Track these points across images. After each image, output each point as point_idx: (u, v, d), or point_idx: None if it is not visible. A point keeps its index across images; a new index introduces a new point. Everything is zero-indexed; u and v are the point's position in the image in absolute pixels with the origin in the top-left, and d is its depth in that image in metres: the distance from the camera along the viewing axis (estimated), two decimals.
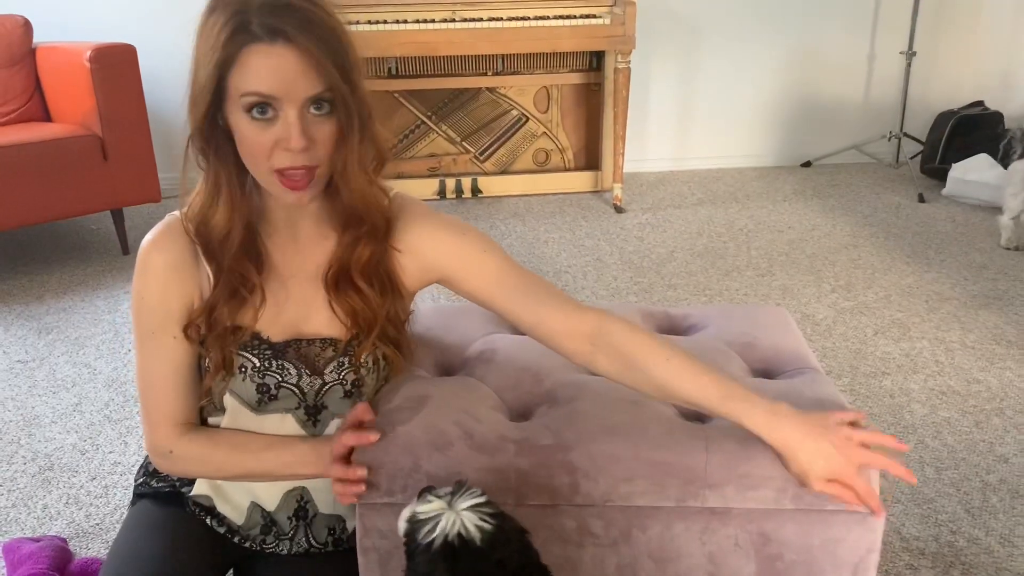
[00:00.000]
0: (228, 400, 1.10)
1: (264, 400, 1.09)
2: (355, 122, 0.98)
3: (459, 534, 0.83)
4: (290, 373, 1.09)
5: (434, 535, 0.83)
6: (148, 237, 1.07)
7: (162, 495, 1.19)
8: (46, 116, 3.27)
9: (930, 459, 1.80)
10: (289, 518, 1.18)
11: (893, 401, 2.05)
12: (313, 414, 1.12)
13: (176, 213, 1.08)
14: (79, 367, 2.29)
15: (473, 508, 0.84)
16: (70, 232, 3.43)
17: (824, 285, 2.80)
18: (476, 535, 0.83)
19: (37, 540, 1.49)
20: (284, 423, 1.12)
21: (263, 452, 1.09)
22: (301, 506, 1.17)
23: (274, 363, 1.08)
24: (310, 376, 1.09)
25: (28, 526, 1.63)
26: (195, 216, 1.05)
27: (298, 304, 1.09)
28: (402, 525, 0.89)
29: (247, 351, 1.07)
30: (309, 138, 0.95)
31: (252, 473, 1.11)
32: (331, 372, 1.10)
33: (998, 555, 1.51)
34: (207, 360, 1.08)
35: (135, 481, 1.24)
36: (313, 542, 1.19)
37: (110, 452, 1.88)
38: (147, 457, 1.25)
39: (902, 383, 2.13)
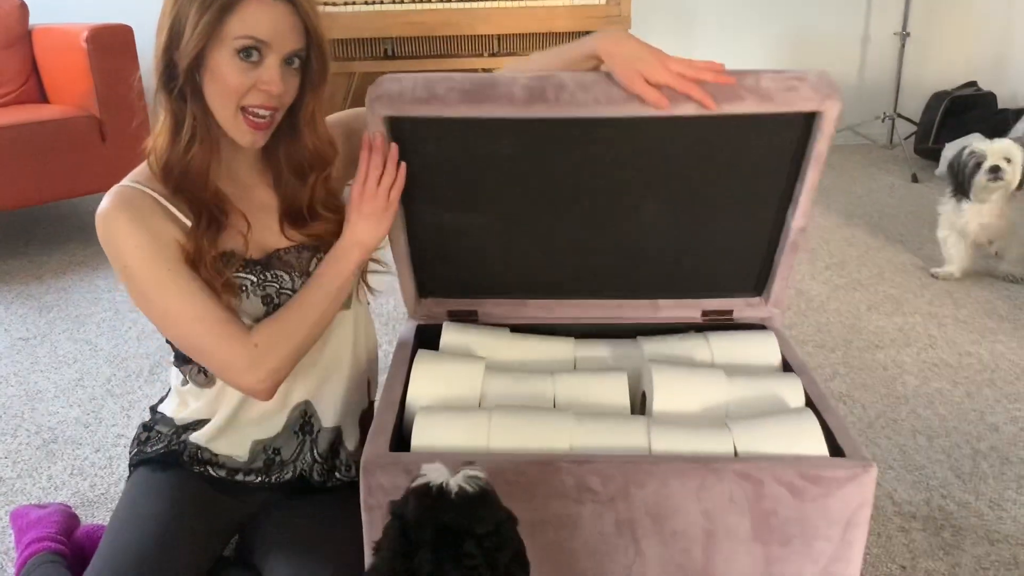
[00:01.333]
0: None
1: (270, 310, 1.18)
2: (319, 78, 1.14)
3: (440, 484, 0.86)
4: (284, 279, 1.19)
5: (420, 481, 0.87)
6: (103, 210, 1.10)
7: (158, 459, 1.23)
8: (43, 98, 3.27)
9: (922, 428, 1.83)
10: (295, 432, 1.25)
11: (886, 373, 2.08)
12: None
13: (124, 183, 1.13)
14: (80, 344, 2.31)
15: (467, 478, 0.87)
16: (69, 213, 3.44)
17: (818, 263, 2.82)
18: (454, 489, 0.85)
19: (44, 507, 1.51)
20: None
21: (310, 291, 1.18)
22: (306, 420, 1.26)
23: (267, 274, 1.18)
24: (300, 277, 1.20)
25: (34, 496, 1.66)
26: (162, 157, 1.12)
27: (260, 229, 1.20)
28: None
29: (241, 273, 1.16)
30: (285, 83, 1.10)
31: (323, 314, 1.18)
32: (315, 267, 1.21)
33: (987, 518, 1.54)
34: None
35: (129, 454, 1.28)
36: (316, 456, 1.27)
37: (113, 425, 1.90)
38: (138, 429, 1.31)
39: (895, 356, 2.16)
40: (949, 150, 3.73)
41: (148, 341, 2.30)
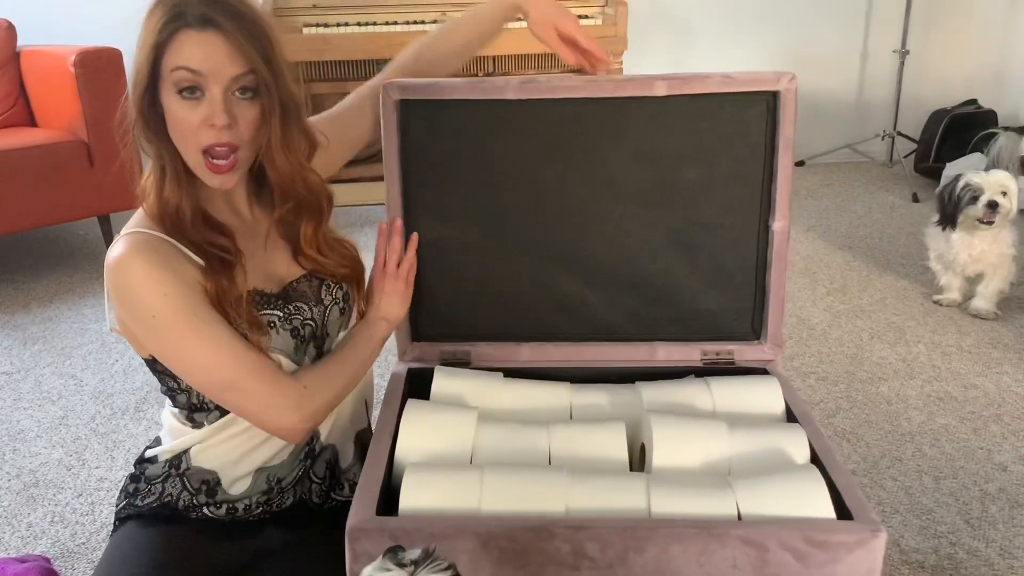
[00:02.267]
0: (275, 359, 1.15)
1: (299, 344, 1.17)
2: (276, 105, 1.07)
3: None
4: (304, 310, 1.19)
5: None
6: (117, 259, 1.06)
7: (146, 515, 1.17)
8: (31, 121, 3.23)
9: (928, 468, 1.79)
10: (300, 459, 1.22)
11: (890, 408, 2.03)
12: (319, 345, 1.22)
13: (131, 229, 1.10)
14: (65, 378, 2.25)
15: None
16: (57, 239, 3.39)
17: (819, 288, 2.78)
18: None
19: (22, 561, 1.46)
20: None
21: (353, 345, 1.23)
22: (311, 444, 1.23)
23: (290, 307, 1.17)
24: (316, 306, 1.20)
25: (12, 545, 1.60)
26: (154, 202, 1.10)
27: (272, 261, 1.19)
28: None
29: (266, 310, 1.14)
30: (232, 117, 1.04)
31: (358, 365, 1.23)
32: (326, 295, 1.21)
33: (998, 567, 1.49)
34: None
35: (116, 506, 1.22)
36: (314, 478, 1.24)
37: (96, 467, 1.85)
38: (125, 481, 1.25)
39: (899, 389, 2.11)
40: (951, 169, 3.70)
41: (135, 376, 2.25)
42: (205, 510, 1.19)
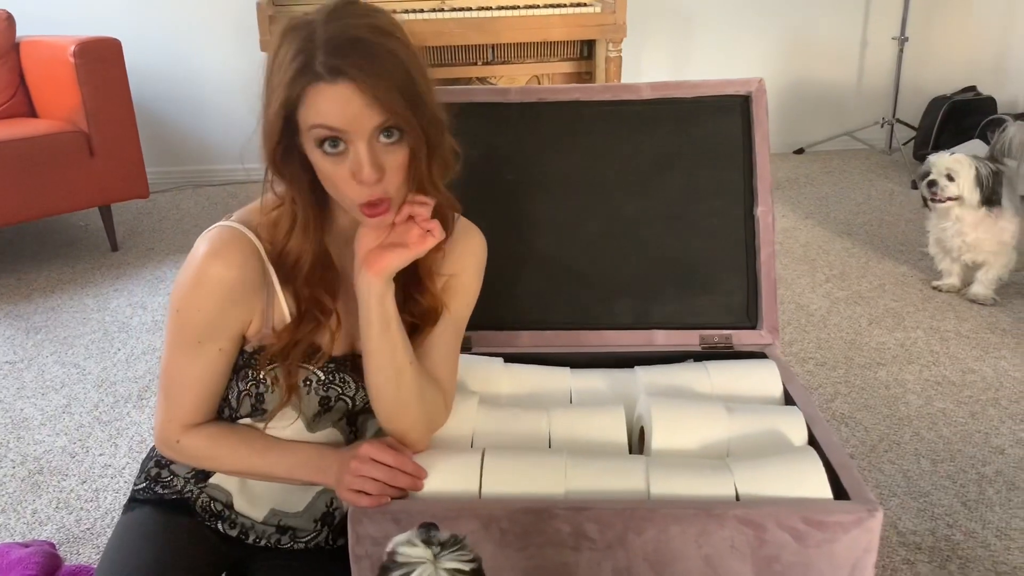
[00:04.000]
0: (284, 414, 1.11)
1: (322, 412, 1.12)
2: (424, 145, 0.99)
3: None
4: (349, 386, 1.13)
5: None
6: (210, 247, 1.04)
7: (166, 502, 1.17)
8: (31, 111, 3.23)
9: (926, 451, 1.80)
10: (315, 521, 1.19)
11: (888, 392, 2.04)
12: (352, 421, 1.17)
13: (234, 223, 1.06)
14: (68, 367, 2.27)
15: (454, 572, 0.80)
16: (58, 229, 3.40)
17: (818, 275, 2.78)
18: None
19: (26, 545, 1.47)
20: (330, 438, 1.16)
21: (268, 452, 1.10)
22: (329, 511, 1.19)
23: (336, 376, 1.12)
24: (364, 388, 1.12)
25: (17, 531, 1.62)
26: (271, 239, 1.05)
27: (353, 323, 1.09)
28: (384, 555, 0.84)
29: (313, 364, 1.09)
30: (380, 168, 0.96)
31: (254, 471, 1.12)
32: None
33: (995, 548, 1.51)
34: (270, 379, 1.08)
35: (135, 486, 1.22)
36: (330, 541, 1.20)
37: (100, 455, 1.86)
38: (150, 462, 1.23)
39: (897, 374, 2.13)
40: None
41: (137, 364, 2.26)
42: (219, 525, 1.18)
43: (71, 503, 1.70)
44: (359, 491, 1.05)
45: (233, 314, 1.06)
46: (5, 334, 2.48)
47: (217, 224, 1.07)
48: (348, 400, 1.14)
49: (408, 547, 0.82)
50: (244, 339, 1.10)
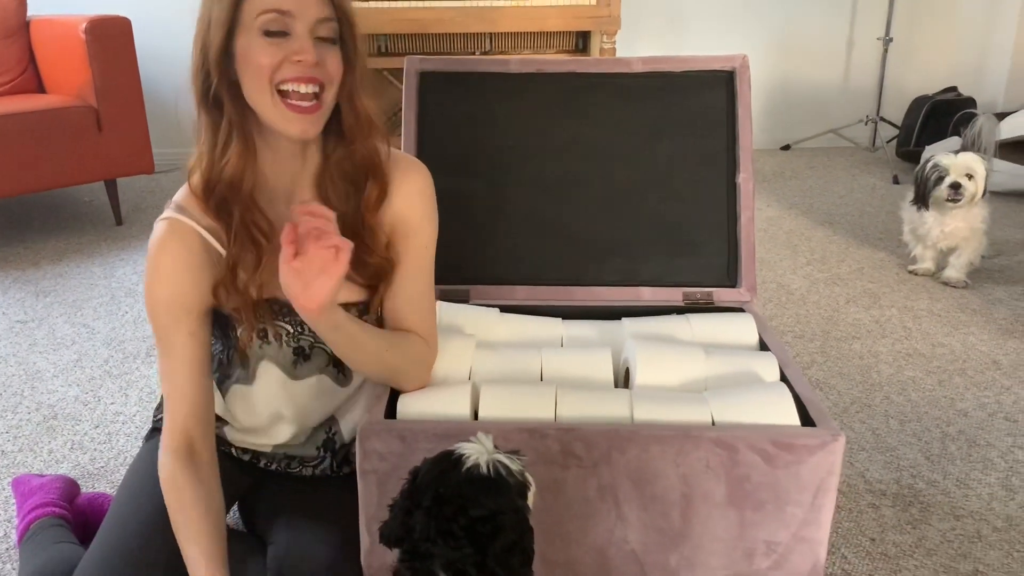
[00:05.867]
0: (264, 368, 1.19)
1: (299, 362, 1.20)
2: (357, 56, 1.08)
3: (460, 456, 0.88)
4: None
5: (457, 453, 0.89)
6: (151, 248, 1.12)
7: None
8: (40, 88, 3.31)
9: (894, 412, 1.91)
10: (317, 448, 1.28)
11: (861, 362, 2.15)
12: (339, 363, 1.23)
13: (171, 213, 1.12)
14: (77, 327, 2.35)
15: (496, 460, 0.89)
16: (64, 203, 3.48)
17: (800, 258, 2.90)
18: (468, 464, 0.87)
19: (44, 476, 1.56)
20: (321, 384, 1.23)
21: (186, 541, 1.09)
22: (329, 437, 1.28)
23: (305, 327, 1.18)
24: None
25: (35, 468, 1.70)
26: (204, 174, 1.10)
27: None
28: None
29: (280, 320, 1.17)
30: (319, 56, 1.03)
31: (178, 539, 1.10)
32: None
33: (954, 495, 1.61)
34: (239, 330, 1.15)
35: (154, 416, 1.32)
36: (335, 466, 1.30)
37: (111, 403, 1.95)
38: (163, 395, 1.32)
39: (871, 346, 2.24)
40: (929, 152, 3.83)
41: (145, 325, 2.35)
42: (232, 450, 1.29)
43: (85, 444, 1.79)
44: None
45: (190, 295, 1.11)
46: (16, 296, 2.57)
47: (157, 222, 1.13)
48: (323, 347, 1.20)
49: (468, 442, 0.91)
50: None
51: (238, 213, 1.10)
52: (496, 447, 0.93)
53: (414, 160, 1.25)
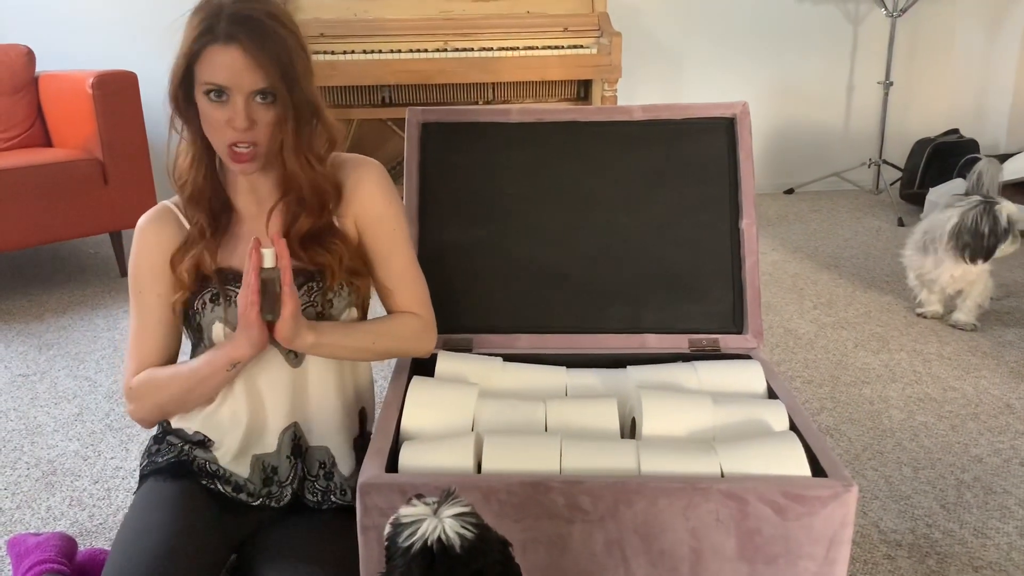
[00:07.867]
0: (217, 329, 1.28)
1: None
2: (290, 113, 1.21)
3: (439, 539, 0.84)
4: None
5: (414, 539, 0.85)
6: (138, 226, 1.32)
7: (168, 468, 1.27)
8: (47, 142, 3.35)
9: (907, 459, 1.87)
10: (288, 457, 1.32)
11: (872, 407, 2.12)
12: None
13: (165, 202, 1.34)
14: (80, 380, 2.34)
15: (457, 516, 0.86)
16: (69, 255, 3.49)
17: (806, 302, 2.88)
18: (456, 542, 0.84)
19: (40, 534, 1.53)
20: (268, 354, 1.28)
21: (191, 364, 1.29)
22: (295, 443, 1.33)
23: None
24: None
25: (33, 525, 1.68)
26: (182, 175, 1.29)
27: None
28: (387, 529, 0.90)
29: (231, 285, 1.27)
30: (252, 120, 1.19)
31: (187, 383, 1.29)
32: (303, 295, 1.28)
33: (971, 545, 1.57)
34: (198, 301, 1.29)
35: (140, 468, 1.32)
36: (307, 474, 1.33)
37: (112, 458, 1.93)
38: (149, 441, 1.38)
39: (881, 391, 2.20)
40: (934, 194, 3.82)
41: None
42: (216, 484, 1.29)
43: (84, 500, 1.76)
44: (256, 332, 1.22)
45: (161, 256, 1.29)
46: (19, 350, 2.56)
47: None
48: None
49: (408, 508, 0.89)
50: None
51: (211, 207, 1.29)
52: (435, 501, 0.89)
53: (362, 158, 1.39)
